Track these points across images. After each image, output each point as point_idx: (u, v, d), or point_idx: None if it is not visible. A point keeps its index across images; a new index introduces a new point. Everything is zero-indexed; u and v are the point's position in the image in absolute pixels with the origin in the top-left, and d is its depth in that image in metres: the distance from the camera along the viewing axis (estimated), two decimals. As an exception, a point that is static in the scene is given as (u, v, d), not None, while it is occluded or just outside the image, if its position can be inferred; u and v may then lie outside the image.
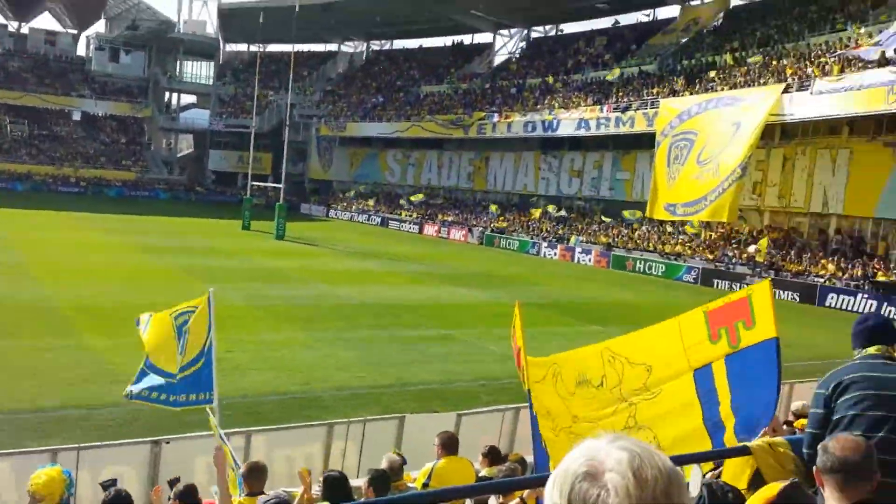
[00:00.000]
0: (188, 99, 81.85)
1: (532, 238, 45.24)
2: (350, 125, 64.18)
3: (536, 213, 48.13)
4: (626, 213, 42.41)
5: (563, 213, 47.24)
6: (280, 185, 46.83)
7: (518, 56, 64.58)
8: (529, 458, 7.25)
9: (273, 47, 76.48)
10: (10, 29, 74.32)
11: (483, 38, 68.96)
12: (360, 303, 23.02)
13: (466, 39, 70.25)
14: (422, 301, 24.35)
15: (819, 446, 2.61)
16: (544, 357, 4.94)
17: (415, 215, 55.20)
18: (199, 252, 31.98)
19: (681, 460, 3.82)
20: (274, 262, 31.09)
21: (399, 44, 76.59)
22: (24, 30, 75.21)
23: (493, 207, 51.45)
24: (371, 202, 60.26)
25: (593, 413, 4.35)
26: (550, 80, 53.54)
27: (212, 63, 78.93)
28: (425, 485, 6.25)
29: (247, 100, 67.61)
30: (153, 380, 7.62)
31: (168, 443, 8.57)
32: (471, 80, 62.26)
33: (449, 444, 6.55)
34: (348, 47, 79.04)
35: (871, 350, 3.45)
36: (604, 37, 57.45)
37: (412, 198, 56.53)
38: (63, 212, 45.02)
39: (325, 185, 68.65)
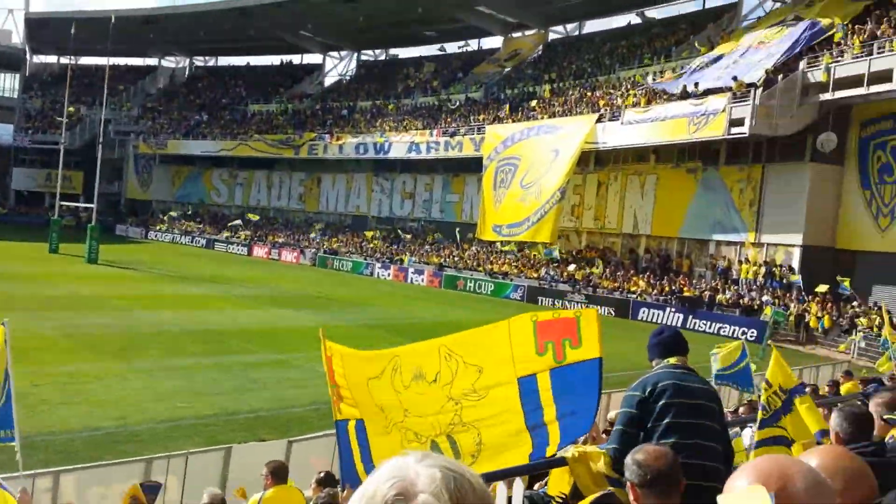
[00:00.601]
0: (-12, 114, 74.86)
1: (366, 259, 45.22)
2: (171, 143, 61.36)
3: (370, 234, 48.23)
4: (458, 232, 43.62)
5: (397, 234, 47.64)
6: (92, 206, 43.76)
7: (349, 78, 64.69)
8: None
9: (86, 60, 71.62)
10: None
11: (313, 58, 68.47)
12: (183, 329, 21.88)
13: (296, 59, 69.49)
14: (251, 325, 23.59)
15: (630, 461, 2.68)
16: (386, 350, 4.94)
17: (243, 237, 53.51)
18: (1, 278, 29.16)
19: (501, 475, 3.91)
20: (86, 287, 28.95)
21: (224, 61, 74.35)
22: None
23: (315, 228, 51.05)
24: (194, 224, 57.72)
25: (423, 408, 4.40)
26: (382, 103, 54.09)
27: (17, 75, 72.78)
28: None
29: (56, 114, 62.84)
30: None
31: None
32: (301, 100, 61.58)
33: (278, 473, 6.39)
34: (169, 62, 75.55)
35: (672, 360, 3.68)
36: (432, 63, 58.84)
37: (249, 216, 54.80)
38: None
39: (144, 205, 64.88)
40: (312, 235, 50.73)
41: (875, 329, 22.78)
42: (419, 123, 48.28)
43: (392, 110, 52.50)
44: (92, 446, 11.58)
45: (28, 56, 73.47)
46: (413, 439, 4.38)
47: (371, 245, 46.92)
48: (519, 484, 5.54)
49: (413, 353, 4.68)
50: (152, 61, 75.21)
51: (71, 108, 54.56)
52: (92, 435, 12.25)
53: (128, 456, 10.45)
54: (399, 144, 47.45)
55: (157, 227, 59.35)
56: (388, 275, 42.71)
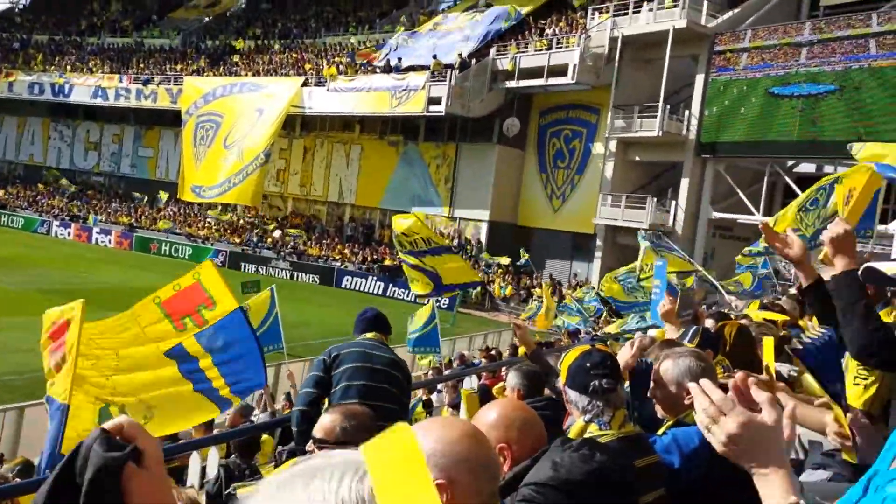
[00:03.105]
0: None
1: (41, 216, 40.61)
2: None
3: (44, 187, 43.30)
4: (162, 195, 40.82)
5: (77, 188, 43.33)
6: None
7: (23, 7, 56.76)
8: (36, 460, 6.65)
9: None
10: None
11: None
12: None
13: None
14: None
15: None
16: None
17: None
18: None
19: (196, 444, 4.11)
20: None
21: None
22: None
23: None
24: None
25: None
26: (62, 39, 48.36)
27: None
28: None
29: None
30: None
31: None
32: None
33: None
34: None
35: (369, 336, 4.36)
36: (121, 2, 53.74)
37: None
38: None
39: None
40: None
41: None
42: (107, 67, 44.09)
43: (72, 49, 47.22)
44: None
45: None
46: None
47: (49, 201, 42.22)
48: (214, 451, 5.77)
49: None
50: None
51: None
52: None
53: None
54: (82, 88, 43.03)
55: None
56: (69, 234, 38.87)
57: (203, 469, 5.59)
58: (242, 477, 5.03)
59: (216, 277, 4.34)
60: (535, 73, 29.90)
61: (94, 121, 45.49)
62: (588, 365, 2.28)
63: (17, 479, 5.57)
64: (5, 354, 15.27)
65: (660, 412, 2.51)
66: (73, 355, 3.98)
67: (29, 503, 3.90)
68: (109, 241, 37.80)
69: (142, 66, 43.57)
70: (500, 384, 5.84)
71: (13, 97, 45.22)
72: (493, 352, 13.44)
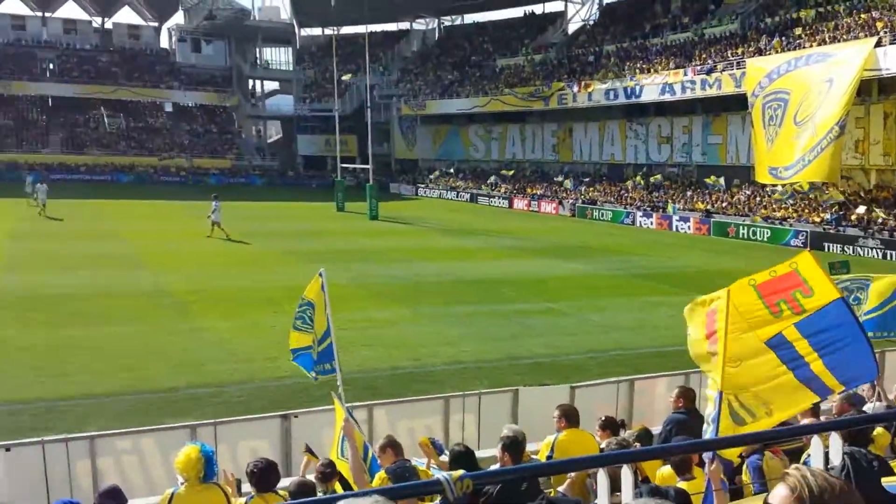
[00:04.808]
0: (271, 86, 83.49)
1: (626, 208, 44.66)
2: (429, 103, 64.30)
3: (632, 181, 47.38)
4: (710, 180, 41.38)
5: (658, 179, 46.30)
6: (368, 166, 47.44)
7: (592, 23, 63.31)
8: (655, 430, 7.31)
9: (347, 29, 77.21)
10: (95, 25, 76.61)
11: (555, 6, 68.00)
12: (459, 279, 23.33)
13: (538, 9, 69.41)
14: (521, 275, 24.46)
15: None
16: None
17: (502, 190, 55.21)
18: (300, 235, 32.87)
19: (830, 426, 3.91)
20: (371, 241, 31.70)
21: (470, 18, 76.33)
22: (108, 25, 77.42)
23: (566, 182, 51.02)
24: (458, 180, 60.48)
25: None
26: (629, 45, 52.32)
27: (290, 49, 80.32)
28: (549, 457, 6.21)
29: (327, 83, 68.57)
30: (307, 358, 8.02)
31: (296, 416, 9.04)
32: (546, 50, 61.41)
33: (570, 416, 6.45)
34: (420, 25, 79.04)
35: None
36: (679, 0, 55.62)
37: (504, 172, 56.56)
38: (165, 201, 46.84)
39: (412, 163, 69.13)
40: (565, 186, 50.89)
41: None
42: (671, 63, 46.12)
43: (638, 52, 50.57)
44: (393, 384, 12.88)
45: (297, 30, 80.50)
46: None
47: (631, 194, 46.14)
48: (835, 437, 5.41)
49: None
50: (404, 25, 79.09)
51: (345, 76, 58.59)
52: (392, 373, 13.64)
53: (425, 394, 11.53)
54: (651, 87, 45.73)
55: (425, 184, 63.12)
56: (651, 223, 41.86)
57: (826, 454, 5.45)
58: (871, 469, 4.40)
59: (814, 267, 4.24)
60: None
61: (663, 116, 48.09)
62: None
63: (637, 445, 6.21)
64: (613, 331, 17.24)
65: None
66: (723, 341, 4.24)
67: None
68: (688, 228, 39.47)
69: (703, 56, 44.39)
70: None
71: (593, 105, 50.49)
72: None
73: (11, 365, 13.31)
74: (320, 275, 7.51)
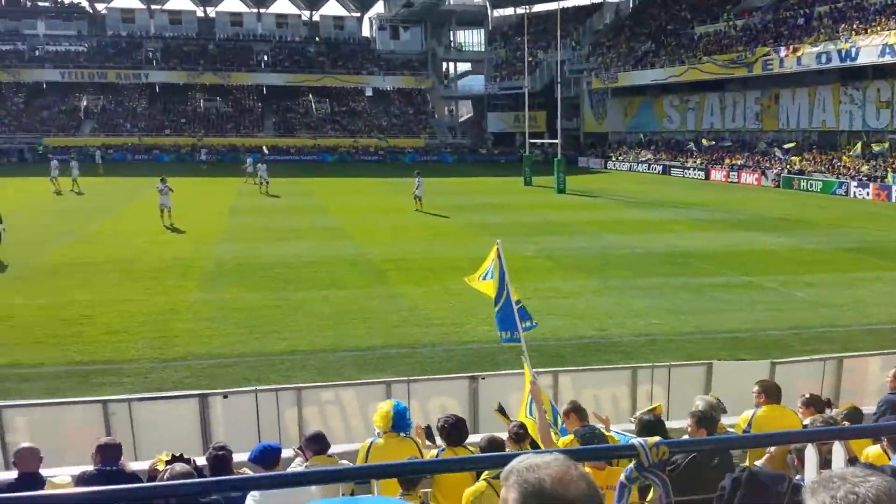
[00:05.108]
0: (463, 67, 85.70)
1: (838, 178, 41.18)
2: (621, 75, 62.76)
3: (854, 149, 43.61)
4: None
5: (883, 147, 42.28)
6: (556, 141, 47.35)
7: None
8: (866, 410, 6.80)
9: (538, 7, 76.84)
10: (304, 18, 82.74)
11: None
12: (648, 251, 22.72)
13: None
14: (715, 248, 23.41)
15: None
16: None
17: (699, 161, 52.84)
18: (489, 208, 33.46)
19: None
20: (558, 214, 31.64)
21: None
22: (316, 17, 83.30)
23: (777, 151, 47.78)
24: (649, 152, 58.70)
25: None
26: (844, 5, 47.75)
27: (482, 30, 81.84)
28: (745, 431, 6.09)
29: (517, 62, 68.82)
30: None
31: (483, 378, 9.32)
32: (750, 14, 57.53)
33: (771, 392, 6.28)
34: (615, -4, 76.90)
35: None
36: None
37: (704, 141, 54.22)
38: (365, 178, 49.41)
39: (601, 137, 68.06)
40: (776, 154, 47.79)
41: None
42: (891, 22, 41.57)
43: (854, 13, 46.01)
44: (579, 352, 12.89)
45: (489, 11, 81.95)
46: None
47: (843, 163, 42.43)
48: None
49: None
50: (598, -1, 77.38)
51: (530, 55, 58.71)
52: (578, 342, 13.61)
53: (611, 363, 11.44)
54: (868, 49, 41.58)
55: (615, 157, 61.85)
56: (867, 194, 38.32)
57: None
58: None
59: None
60: None
61: (883, 79, 43.69)
62: None
63: (846, 424, 5.89)
64: (821, 307, 16.15)
65: None
66: None
67: None
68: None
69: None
70: None
71: (801, 69, 46.77)
72: None
73: (230, 324, 14.73)
74: (497, 244, 7.65)
